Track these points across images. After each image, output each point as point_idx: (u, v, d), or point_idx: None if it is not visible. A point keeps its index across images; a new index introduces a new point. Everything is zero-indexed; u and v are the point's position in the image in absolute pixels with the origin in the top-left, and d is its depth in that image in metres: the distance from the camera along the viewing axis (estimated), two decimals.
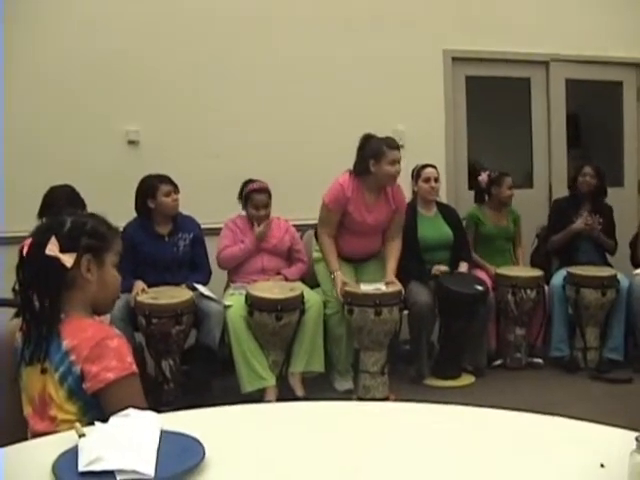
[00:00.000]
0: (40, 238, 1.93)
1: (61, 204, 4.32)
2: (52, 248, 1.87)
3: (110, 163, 5.38)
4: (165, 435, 1.47)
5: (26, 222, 4.70)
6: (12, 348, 1.96)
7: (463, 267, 5.19)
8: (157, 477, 1.33)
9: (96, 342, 1.82)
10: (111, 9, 5.42)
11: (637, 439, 1.25)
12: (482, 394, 4.62)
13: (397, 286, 4.65)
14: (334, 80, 5.89)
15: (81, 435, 1.44)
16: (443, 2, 6.16)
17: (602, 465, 1.38)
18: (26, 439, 1.78)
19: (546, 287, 5.29)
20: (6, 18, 5.05)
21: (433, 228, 5.18)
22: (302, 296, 4.60)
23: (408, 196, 5.10)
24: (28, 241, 1.94)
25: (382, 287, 4.61)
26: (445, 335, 5.11)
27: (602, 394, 4.65)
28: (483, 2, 6.27)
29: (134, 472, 1.32)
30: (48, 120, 5.31)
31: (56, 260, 1.88)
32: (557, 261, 5.61)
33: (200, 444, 1.43)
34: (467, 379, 5.02)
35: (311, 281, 5.00)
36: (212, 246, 4.94)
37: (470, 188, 6.08)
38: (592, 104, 7.05)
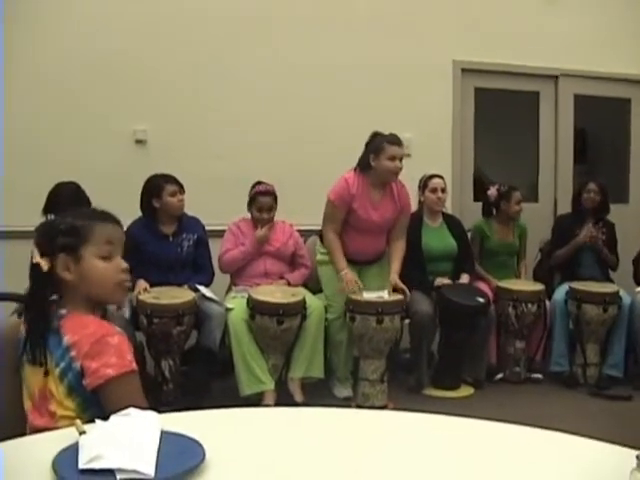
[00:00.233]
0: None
1: (66, 201, 4.35)
2: (34, 254, 1.91)
3: (116, 162, 5.40)
4: (165, 435, 1.47)
5: (28, 218, 4.77)
6: (14, 342, 1.96)
7: (464, 279, 5.19)
8: (157, 477, 1.33)
9: (97, 338, 1.82)
10: (113, 9, 5.46)
11: (638, 457, 1.24)
12: (480, 406, 4.62)
13: (401, 293, 4.65)
14: (343, 88, 5.92)
15: (82, 432, 1.45)
16: (454, 13, 6.18)
17: None
18: (25, 434, 1.79)
19: (547, 302, 5.28)
20: (6, 18, 5.08)
21: (438, 239, 5.18)
22: (304, 301, 4.60)
23: (414, 206, 5.10)
24: None
25: (385, 295, 4.61)
26: (445, 346, 5.11)
27: (601, 411, 4.64)
28: (494, 14, 6.29)
29: (134, 471, 1.32)
30: (50, 119, 5.34)
31: (38, 265, 1.92)
32: (559, 276, 5.61)
33: (200, 445, 1.43)
34: (466, 390, 5.02)
35: (313, 286, 5.01)
36: (216, 248, 4.95)
37: (475, 199, 6.08)
38: (600, 120, 7.06)
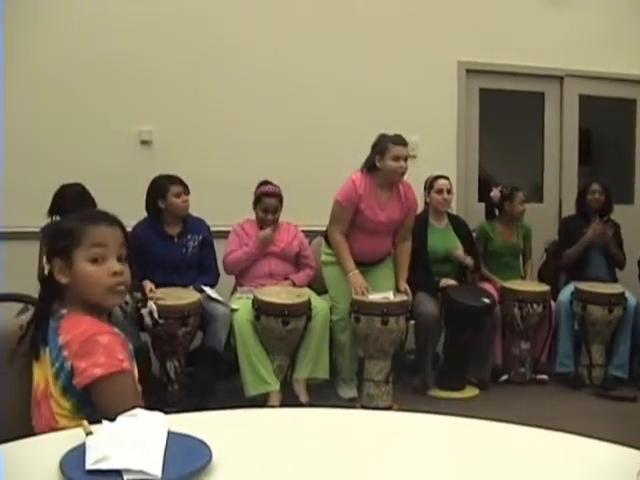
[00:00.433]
0: None
1: (71, 202, 4.37)
2: (42, 257, 1.95)
3: (121, 163, 5.42)
4: (172, 436, 1.47)
5: (29, 219, 4.79)
6: (23, 340, 1.97)
7: (468, 260, 5.17)
8: (164, 478, 1.33)
9: (86, 338, 1.82)
10: (114, 9, 5.49)
11: None
12: (485, 407, 4.62)
13: (407, 295, 4.68)
14: (348, 89, 5.93)
15: (88, 433, 1.45)
16: (459, 14, 6.19)
17: None
18: (32, 434, 1.79)
19: (553, 302, 5.28)
20: (8, 18, 5.08)
21: (443, 240, 5.18)
22: (309, 302, 4.60)
23: (420, 207, 5.10)
24: None
25: (390, 296, 4.61)
26: (450, 347, 5.11)
27: (606, 411, 4.63)
28: (499, 15, 6.29)
29: (141, 472, 1.32)
30: (52, 120, 5.35)
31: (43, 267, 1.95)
32: (565, 276, 5.61)
33: (207, 446, 1.44)
34: (471, 391, 5.02)
35: (318, 287, 5.00)
36: (221, 249, 4.95)
37: (480, 200, 6.08)
38: (605, 120, 7.06)
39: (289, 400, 4.47)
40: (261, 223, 4.95)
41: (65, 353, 1.84)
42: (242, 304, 4.61)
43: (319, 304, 4.70)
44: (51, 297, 1.98)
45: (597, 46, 6.46)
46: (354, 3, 5.95)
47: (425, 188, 5.29)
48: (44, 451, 1.47)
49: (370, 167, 4.64)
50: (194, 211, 4.87)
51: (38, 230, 4.49)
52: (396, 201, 4.73)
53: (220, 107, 5.67)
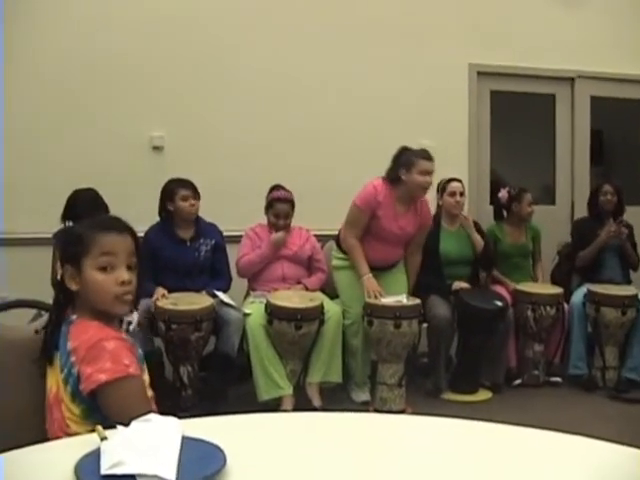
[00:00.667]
0: None
1: (84, 207, 4.39)
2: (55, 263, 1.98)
3: (133, 169, 5.43)
4: (186, 441, 1.48)
5: (40, 225, 4.81)
6: (34, 347, 1.98)
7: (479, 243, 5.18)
8: None
9: (92, 343, 1.83)
10: (125, 12, 5.46)
11: None
12: (499, 410, 4.60)
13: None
14: (359, 93, 5.92)
15: (103, 438, 1.46)
16: (469, 16, 6.17)
17: None
18: (46, 439, 1.80)
19: (566, 305, 5.26)
20: (9, 19, 5.07)
21: (455, 242, 5.18)
22: (322, 306, 4.61)
23: (432, 209, 5.10)
24: None
25: (403, 299, 4.61)
26: (463, 350, 5.10)
27: (620, 414, 4.61)
28: (510, 17, 6.27)
29: (156, 477, 1.32)
30: (54, 124, 5.33)
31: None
32: (578, 278, 5.59)
33: (221, 451, 1.44)
34: (484, 394, 5.01)
35: (331, 291, 5.00)
36: (233, 253, 4.96)
37: (492, 203, 6.08)
38: (616, 122, 7.02)
39: (302, 404, 4.48)
40: (273, 228, 4.96)
41: (73, 359, 1.85)
42: (255, 308, 4.62)
43: (332, 308, 4.70)
44: (64, 302, 1.99)
45: (608, 47, 6.44)
46: (365, 6, 5.94)
47: (437, 191, 5.28)
48: (59, 456, 1.47)
49: (393, 179, 4.63)
50: (206, 216, 4.89)
51: (46, 235, 4.51)
52: (412, 215, 4.74)
53: (231, 112, 5.67)
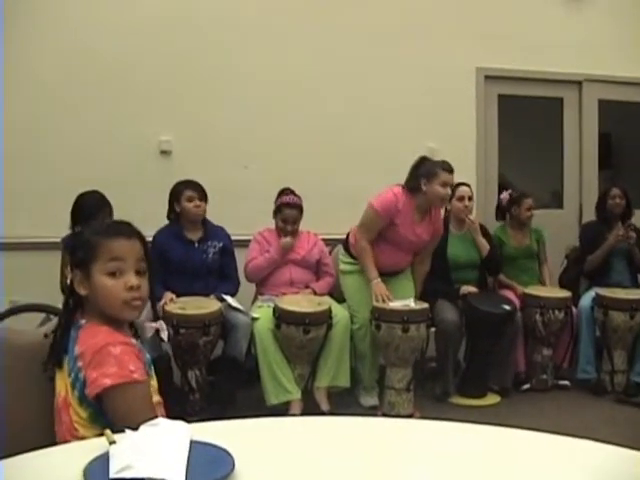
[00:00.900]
0: None
1: (89, 210, 4.42)
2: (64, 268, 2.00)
3: (142, 173, 5.44)
4: (195, 445, 1.48)
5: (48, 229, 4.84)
6: (42, 352, 1.99)
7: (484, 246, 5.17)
8: None
9: (99, 348, 1.84)
10: (137, 14, 5.48)
11: None
12: (507, 414, 4.60)
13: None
14: (366, 98, 5.92)
15: (112, 442, 1.46)
16: (477, 20, 6.17)
17: None
18: (55, 443, 1.81)
19: (574, 308, 5.25)
20: (10, 19, 5.08)
21: (463, 247, 5.18)
22: (330, 310, 4.61)
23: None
24: None
25: (411, 304, 4.61)
26: (471, 354, 5.10)
27: (629, 418, 4.60)
28: (517, 21, 6.27)
29: None
30: (56, 126, 5.35)
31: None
32: (586, 282, 5.58)
33: (230, 455, 1.44)
34: (493, 399, 5.00)
35: (339, 295, 5.00)
36: (241, 258, 4.97)
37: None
38: (625, 125, 7.01)
39: (310, 408, 4.48)
40: (281, 232, 4.96)
41: (80, 364, 1.86)
42: (263, 313, 4.62)
43: (340, 312, 4.70)
44: (74, 307, 2.00)
45: (615, 51, 6.43)
46: (371, 10, 5.95)
47: None
48: (67, 460, 1.48)
49: (413, 188, 4.63)
50: (214, 220, 4.90)
51: (47, 240, 4.53)
52: (427, 224, 4.74)
53: (239, 116, 5.68)
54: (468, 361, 5.15)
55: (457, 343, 4.99)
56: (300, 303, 4.62)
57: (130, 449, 1.41)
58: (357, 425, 1.86)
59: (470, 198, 5.22)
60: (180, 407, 4.22)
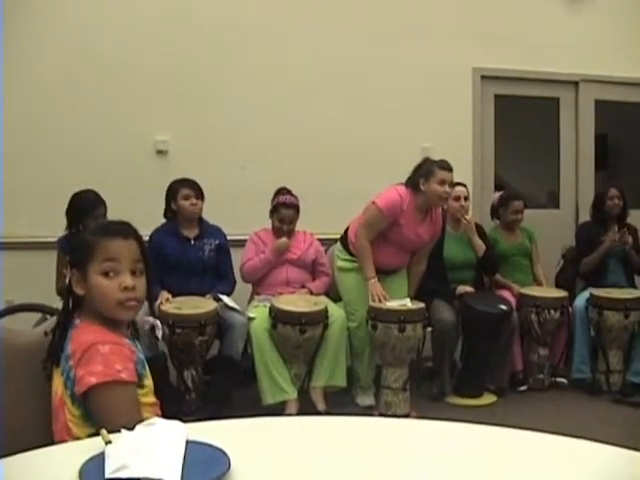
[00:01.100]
0: None
1: (84, 209, 4.45)
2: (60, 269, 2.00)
3: (138, 173, 5.43)
4: (190, 445, 1.48)
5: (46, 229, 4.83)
6: (40, 351, 1.99)
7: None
8: None
9: (87, 346, 1.84)
10: (134, 14, 5.47)
11: None
12: (504, 414, 4.61)
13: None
14: (363, 98, 5.92)
15: (107, 442, 1.46)
16: (473, 20, 6.17)
17: None
18: (52, 443, 1.81)
19: (570, 308, 5.25)
20: (10, 19, 5.07)
21: (460, 247, 5.18)
22: (326, 310, 4.60)
23: None
24: None
25: (408, 303, 4.61)
26: (468, 354, 5.10)
27: (625, 418, 4.60)
28: (514, 21, 6.27)
29: None
30: (53, 126, 5.34)
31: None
32: (583, 282, 5.58)
33: (225, 455, 1.44)
34: (489, 398, 5.00)
35: (335, 295, 5.00)
36: (237, 257, 4.97)
37: None
38: (621, 125, 7.01)
39: (306, 408, 4.47)
40: (277, 232, 4.96)
41: (71, 362, 1.87)
42: (259, 312, 4.62)
43: (336, 312, 4.70)
44: (72, 307, 2.01)
45: (612, 51, 6.43)
46: (368, 10, 5.95)
47: None
48: (63, 460, 1.47)
49: (413, 187, 4.64)
50: (211, 220, 4.90)
51: (45, 240, 4.52)
52: (428, 224, 4.75)
53: (236, 116, 5.68)
54: (464, 361, 5.15)
55: (453, 343, 4.99)
56: (296, 303, 4.62)
57: (126, 449, 1.41)
58: (353, 425, 1.86)
59: (466, 198, 5.23)
60: (176, 407, 4.21)
